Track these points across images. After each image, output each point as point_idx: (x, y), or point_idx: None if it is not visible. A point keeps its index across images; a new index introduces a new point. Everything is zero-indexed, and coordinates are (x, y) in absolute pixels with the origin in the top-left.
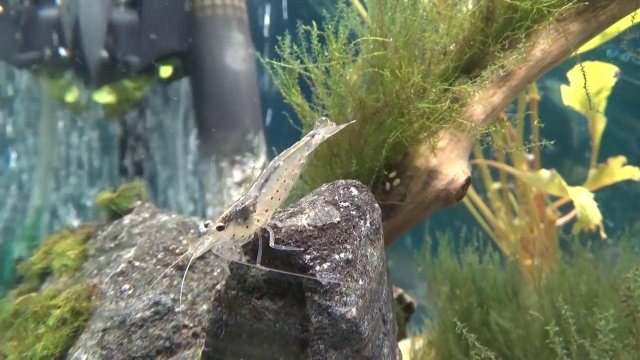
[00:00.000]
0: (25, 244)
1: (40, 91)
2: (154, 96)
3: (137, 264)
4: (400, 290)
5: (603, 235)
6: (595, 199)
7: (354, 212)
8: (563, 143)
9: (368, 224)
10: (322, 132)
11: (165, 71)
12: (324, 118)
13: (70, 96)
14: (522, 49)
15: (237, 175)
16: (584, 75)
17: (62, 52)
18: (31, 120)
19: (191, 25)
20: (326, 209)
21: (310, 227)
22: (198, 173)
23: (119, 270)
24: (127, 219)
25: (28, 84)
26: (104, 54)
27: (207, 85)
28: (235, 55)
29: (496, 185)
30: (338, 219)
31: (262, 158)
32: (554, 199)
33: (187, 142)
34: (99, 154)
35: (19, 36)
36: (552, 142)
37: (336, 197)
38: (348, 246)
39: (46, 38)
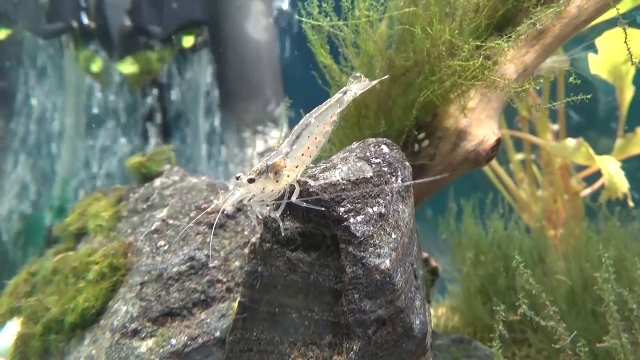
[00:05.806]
0: (54, 213)
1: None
2: (176, 66)
3: (171, 222)
4: (426, 254)
5: (630, 204)
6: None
7: (385, 169)
8: (589, 113)
9: (399, 181)
10: (355, 88)
11: (188, 41)
12: (358, 74)
13: (95, 66)
14: (561, 2)
15: (260, 145)
16: (625, 30)
17: (87, 22)
18: (58, 92)
19: None
20: (358, 164)
21: (344, 181)
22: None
23: (153, 228)
24: (157, 182)
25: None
26: (127, 23)
27: (229, 55)
28: (257, 24)
29: (519, 156)
30: (370, 174)
31: (285, 128)
32: (578, 170)
33: (209, 113)
34: (125, 122)
35: (45, 7)
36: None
37: (368, 154)
38: (381, 200)
39: (71, 8)
